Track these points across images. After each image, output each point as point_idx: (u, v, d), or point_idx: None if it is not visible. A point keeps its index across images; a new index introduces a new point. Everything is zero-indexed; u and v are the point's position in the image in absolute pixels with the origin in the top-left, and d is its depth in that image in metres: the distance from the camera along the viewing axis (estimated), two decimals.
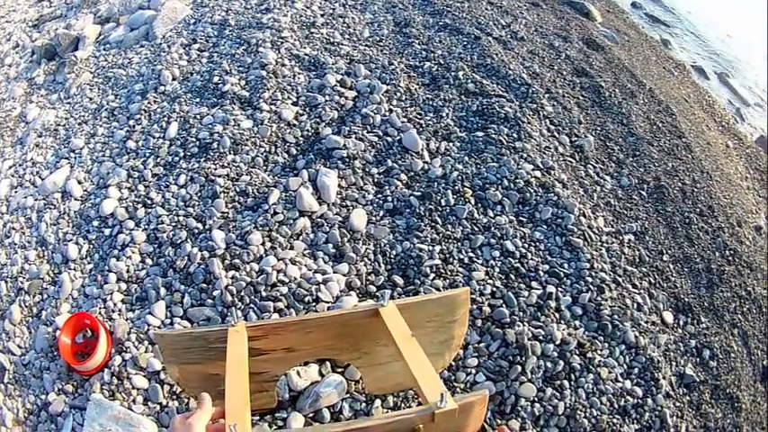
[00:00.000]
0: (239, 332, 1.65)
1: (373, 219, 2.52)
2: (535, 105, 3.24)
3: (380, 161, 2.70)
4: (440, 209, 2.59)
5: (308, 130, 2.76)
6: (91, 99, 3.35)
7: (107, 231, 2.60)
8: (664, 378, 2.29)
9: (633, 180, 3.28)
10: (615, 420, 2.12)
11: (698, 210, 3.28)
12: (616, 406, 2.15)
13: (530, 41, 3.80)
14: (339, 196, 2.55)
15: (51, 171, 3.03)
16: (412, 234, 2.48)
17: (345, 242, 2.41)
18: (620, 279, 2.57)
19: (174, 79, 3.18)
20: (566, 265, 2.52)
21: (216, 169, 2.62)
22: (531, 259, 2.50)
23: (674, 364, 2.41)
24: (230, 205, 2.52)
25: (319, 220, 2.47)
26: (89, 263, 2.55)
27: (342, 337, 1.77)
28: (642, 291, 2.60)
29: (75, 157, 3.04)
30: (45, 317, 2.44)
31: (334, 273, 2.31)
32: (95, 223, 2.66)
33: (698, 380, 2.40)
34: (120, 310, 2.34)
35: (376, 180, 2.64)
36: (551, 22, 4.20)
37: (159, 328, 2.22)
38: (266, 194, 2.51)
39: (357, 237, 2.44)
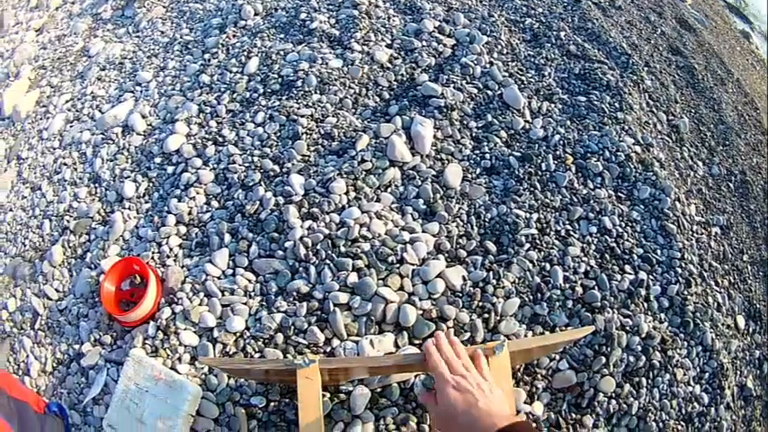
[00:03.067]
0: (312, 379, 1.36)
1: (469, 176, 2.11)
2: (635, 77, 2.80)
3: (479, 115, 2.28)
4: (540, 173, 2.18)
5: (402, 75, 2.33)
6: (163, 33, 2.97)
7: (170, 169, 2.24)
8: (728, 388, 1.98)
9: (722, 170, 2.87)
10: (680, 428, 1.83)
11: None
12: (683, 412, 1.86)
13: (627, 12, 3.33)
14: (434, 148, 2.13)
15: (113, 105, 2.67)
16: (509, 197, 2.07)
17: (438, 199, 2.00)
18: (705, 274, 2.19)
19: (256, 14, 2.76)
20: (658, 252, 2.12)
21: (299, 108, 2.21)
22: (627, 240, 2.10)
23: (738, 373, 2.08)
24: (312, 148, 2.12)
25: (411, 171, 2.06)
26: (146, 202, 2.20)
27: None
28: (723, 290, 2.23)
29: (141, 91, 2.67)
30: (90, 259, 2.10)
31: (423, 232, 1.91)
32: (158, 160, 2.29)
33: (755, 394, 2.09)
34: (176, 256, 1.98)
35: (474, 134, 2.22)
36: None
37: (219, 278, 1.85)
38: (354, 139, 2.10)
39: (451, 194, 2.03)
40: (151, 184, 2.24)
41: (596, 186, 2.22)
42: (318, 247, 1.82)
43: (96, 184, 2.37)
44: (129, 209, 2.21)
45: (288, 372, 1.39)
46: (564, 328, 1.81)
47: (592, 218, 2.12)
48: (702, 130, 3.02)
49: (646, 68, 2.94)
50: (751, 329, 2.28)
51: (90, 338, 1.91)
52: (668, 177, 2.39)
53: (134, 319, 1.82)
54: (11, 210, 2.56)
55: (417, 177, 2.04)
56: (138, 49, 2.94)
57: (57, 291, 2.12)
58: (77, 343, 1.92)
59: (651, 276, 2.03)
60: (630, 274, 2.00)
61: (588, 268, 1.97)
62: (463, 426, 1.17)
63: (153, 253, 2.00)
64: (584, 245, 2.03)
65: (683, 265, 2.11)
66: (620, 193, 2.26)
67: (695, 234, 2.33)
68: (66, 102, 2.89)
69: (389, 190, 2.02)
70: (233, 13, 2.82)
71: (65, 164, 2.54)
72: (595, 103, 2.50)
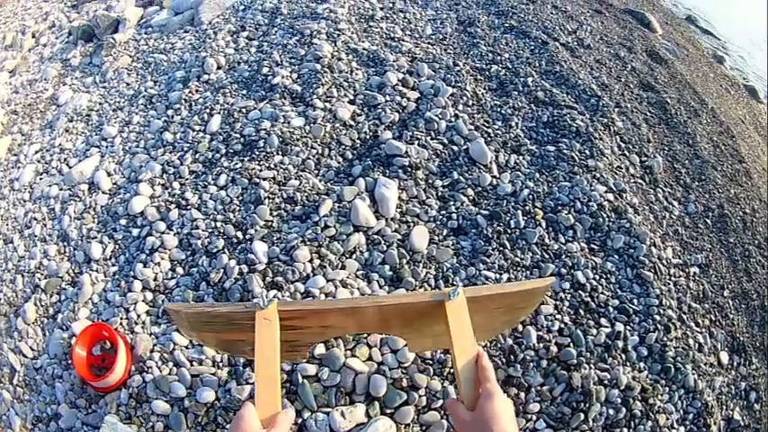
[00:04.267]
0: (270, 320, 1.34)
1: (436, 238, 2.06)
2: (606, 120, 2.77)
3: (445, 173, 2.23)
4: (509, 231, 2.13)
5: (365, 133, 2.29)
6: (128, 84, 2.92)
7: (135, 232, 2.20)
8: (714, 424, 1.95)
9: (699, 207, 2.82)
10: None
11: (756, 242, 2.84)
12: None
13: (596, 50, 3.31)
14: (399, 210, 2.09)
15: (80, 159, 2.64)
16: (478, 258, 2.03)
17: (404, 264, 1.96)
18: (684, 317, 2.15)
19: (218, 68, 2.72)
20: (635, 301, 2.08)
21: (261, 170, 2.16)
22: (602, 293, 2.06)
23: (724, 407, 2.05)
24: (275, 213, 2.07)
25: (376, 236, 2.01)
26: (113, 265, 2.15)
27: (395, 320, 1.51)
28: (704, 330, 2.19)
29: (106, 146, 2.63)
30: (61, 320, 2.06)
31: None
32: (123, 221, 2.25)
33: (743, 424, 2.04)
34: (143, 323, 1.94)
35: (440, 194, 2.18)
36: (615, 31, 3.69)
37: (187, 347, 1.81)
38: (317, 203, 2.05)
39: (417, 258, 1.98)
40: (117, 246, 2.20)
41: (568, 240, 2.17)
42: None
43: (65, 243, 2.32)
44: (96, 271, 2.16)
45: (245, 319, 1.38)
46: (540, 388, 1.77)
47: (564, 273, 2.07)
48: (677, 167, 2.98)
49: (617, 109, 2.91)
50: (735, 363, 2.24)
51: (66, 400, 1.86)
52: (643, 223, 2.36)
53: (106, 385, 1.79)
54: None
55: (382, 242, 1.99)
56: (104, 101, 2.89)
57: (31, 349, 2.08)
58: (54, 403, 1.88)
59: (628, 327, 1.99)
60: (607, 327, 1.97)
61: (562, 326, 1.93)
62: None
63: (121, 319, 1.95)
64: (558, 302, 1.99)
65: (662, 311, 2.08)
66: (592, 245, 2.22)
67: (673, 278, 2.29)
68: (36, 152, 2.85)
69: (354, 256, 1.97)
70: (196, 66, 2.78)
71: (35, 218, 2.49)
72: (565, 151, 2.47)
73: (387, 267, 1.94)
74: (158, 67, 2.94)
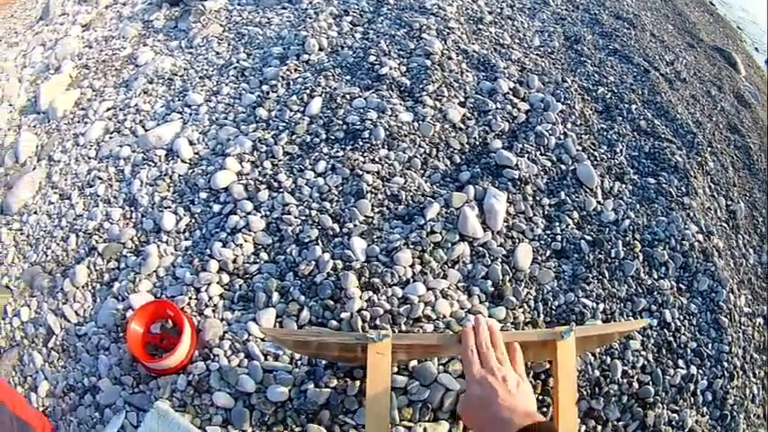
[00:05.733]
0: (384, 354, 1.36)
1: (539, 258, 1.97)
2: (700, 158, 2.70)
3: (552, 191, 2.15)
4: (609, 260, 2.05)
5: (475, 138, 2.20)
6: (218, 54, 2.81)
7: (216, 208, 2.08)
8: None
9: None
10: None
11: None
12: None
13: (691, 85, 3.23)
14: (506, 224, 2.00)
15: (158, 123, 2.51)
16: (578, 285, 1.95)
17: (507, 281, 1.86)
18: (746, 366, 2.10)
19: (320, 49, 2.62)
20: (710, 345, 2.02)
21: (365, 163, 2.06)
22: (684, 334, 1.99)
23: None
24: (377, 209, 1.97)
25: (481, 249, 1.91)
26: (186, 239, 2.03)
27: None
28: (758, 381, 2.13)
29: (190, 114, 2.51)
30: (117, 290, 1.94)
31: (490, 317, 1.77)
32: (203, 195, 2.13)
33: None
34: (215, 307, 1.82)
35: (546, 213, 2.09)
36: (706, 68, 3.61)
37: (263, 340, 1.71)
38: (422, 205, 1.96)
39: (520, 277, 1.89)
40: (193, 221, 2.09)
41: (660, 277, 2.10)
42: (378, 321, 1.68)
43: (132, 208, 2.21)
44: (166, 243, 2.04)
45: (354, 348, 1.41)
46: (616, 423, 1.72)
47: (654, 310, 2.00)
48: (755, 215, 2.92)
49: (709, 149, 2.84)
50: None
51: (109, 375, 1.75)
52: (725, 268, 2.28)
53: (162, 367, 1.67)
54: (35, 213, 2.41)
55: (487, 256, 1.90)
56: (189, 67, 2.79)
57: (77, 314, 1.96)
58: (94, 375, 1.77)
59: (700, 370, 1.94)
60: (683, 368, 1.91)
61: (646, 363, 1.86)
62: (481, 419, 1.20)
63: (190, 298, 1.84)
64: (644, 338, 1.92)
65: (730, 358, 2.03)
66: (681, 285, 2.15)
67: (743, 326, 2.23)
68: (108, 110, 2.74)
69: (457, 267, 1.87)
70: (295, 45, 2.68)
71: (99, 177, 2.38)
72: (664, 185, 2.39)
73: (489, 282, 1.85)
74: (252, 41, 2.84)
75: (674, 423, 1.76)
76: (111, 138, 2.54)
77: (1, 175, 2.77)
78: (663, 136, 2.60)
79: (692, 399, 1.86)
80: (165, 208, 2.13)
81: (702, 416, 1.85)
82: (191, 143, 2.35)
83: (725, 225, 2.63)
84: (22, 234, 2.37)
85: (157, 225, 2.08)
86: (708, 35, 4.43)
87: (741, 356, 2.08)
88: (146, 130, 2.49)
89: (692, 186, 2.48)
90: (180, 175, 2.24)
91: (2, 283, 2.25)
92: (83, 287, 2.02)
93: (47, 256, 2.18)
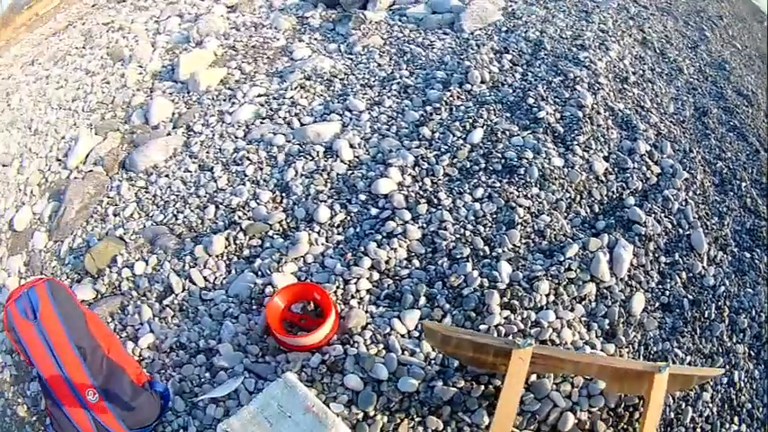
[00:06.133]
0: (524, 360, 1.55)
1: (649, 308, 2.30)
2: None
3: (668, 251, 2.46)
4: (702, 319, 2.37)
5: (613, 192, 2.52)
6: (380, 65, 3.08)
7: (374, 211, 2.34)
8: None
9: None
10: None
11: None
12: None
13: None
14: (628, 273, 2.32)
15: (316, 120, 2.73)
16: (675, 336, 2.27)
17: (620, 323, 2.20)
18: None
19: (482, 82, 2.91)
20: (761, 409, 2.27)
21: (518, 197, 2.39)
22: (744, 395, 2.27)
23: None
24: (524, 240, 2.30)
25: (605, 291, 2.25)
26: (339, 234, 2.29)
27: (610, 377, 1.84)
28: None
29: (350, 118, 2.76)
30: (259, 266, 2.16)
31: (601, 350, 2.10)
32: (362, 197, 2.39)
33: None
34: (361, 299, 2.07)
35: (661, 269, 2.41)
36: None
37: (403, 336, 1.97)
38: (563, 244, 2.29)
39: (631, 321, 2.23)
40: (349, 218, 2.35)
41: (738, 341, 2.40)
42: (511, 337, 1.98)
43: (284, 194, 2.43)
44: (318, 233, 2.29)
45: (489, 352, 1.64)
46: None
47: (727, 369, 2.28)
48: None
49: None
50: None
51: (233, 341, 1.97)
52: None
53: (299, 344, 1.91)
54: (167, 176, 2.60)
55: (609, 298, 2.23)
56: (350, 73, 3.05)
57: (205, 279, 2.18)
58: (213, 338, 1.98)
59: (749, 429, 2.19)
60: (736, 425, 2.17)
61: (710, 414, 2.15)
62: None
63: (337, 287, 2.10)
64: (714, 393, 2.21)
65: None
66: (752, 351, 2.44)
67: None
68: (260, 96, 2.95)
69: (583, 303, 2.20)
70: (458, 73, 2.96)
71: (248, 158, 2.58)
72: (756, 261, 2.68)
73: (606, 321, 2.18)
74: (415, 60, 3.11)
75: None
76: (262, 123, 2.75)
77: (126, 132, 3.00)
78: (763, 215, 2.89)
79: None
80: (321, 201, 2.37)
81: None
82: (351, 146, 2.59)
83: None
84: (147, 192, 2.55)
85: (310, 215, 2.33)
86: None
87: None
88: (302, 124, 2.70)
89: None
90: (338, 174, 2.50)
91: (116, 233, 2.46)
92: (217, 256, 2.24)
93: (176, 219, 2.39)
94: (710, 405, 2.17)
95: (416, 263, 2.20)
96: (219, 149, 2.67)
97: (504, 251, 2.23)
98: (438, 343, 1.85)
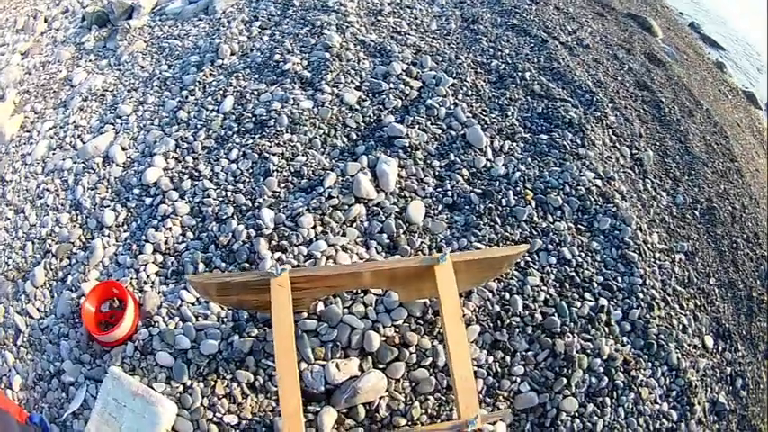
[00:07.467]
0: (284, 286, 1.55)
1: (431, 212, 2.25)
2: (599, 114, 2.96)
3: (443, 154, 2.43)
4: (500, 209, 2.32)
5: (369, 116, 2.50)
6: (143, 67, 3.14)
7: (148, 201, 2.39)
8: (699, 404, 2.11)
9: (687, 199, 2.99)
10: None
11: (745, 236, 3.02)
12: (651, 428, 1.98)
13: (594, 50, 3.50)
14: (398, 186, 2.29)
15: (94, 135, 2.82)
16: (470, 232, 2.23)
17: (401, 234, 2.15)
18: (669, 298, 2.34)
19: (232, 54, 2.95)
20: (619, 279, 2.27)
21: (270, 147, 2.37)
22: (587, 269, 2.25)
23: (708, 390, 2.21)
24: (283, 185, 2.27)
25: (375, 208, 2.21)
26: (125, 231, 2.34)
27: (389, 280, 1.76)
28: (688, 312, 2.37)
29: (120, 124, 2.83)
30: (71, 282, 2.24)
31: None
32: (136, 191, 2.45)
33: (728, 408, 2.20)
34: (152, 283, 2.13)
35: (437, 173, 2.37)
36: (615, 34, 3.89)
37: (193, 304, 2.00)
38: (322, 177, 2.26)
39: (413, 229, 2.18)
40: (130, 214, 2.38)
41: (556, 219, 2.36)
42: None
43: (77, 211, 2.49)
44: (108, 236, 2.33)
45: (262, 288, 1.59)
46: (525, 352, 1.95)
47: (551, 249, 2.26)
48: (667, 161, 3.14)
49: (610, 105, 3.09)
50: (720, 348, 2.39)
51: (71, 356, 2.01)
52: (629, 209, 2.54)
53: (113, 339, 1.94)
54: None
55: (381, 213, 2.19)
56: (118, 82, 3.09)
57: (38, 310, 2.22)
58: (58, 360, 2.02)
59: (612, 302, 2.17)
60: (590, 300, 2.15)
61: (548, 297, 2.11)
62: None
63: (131, 279, 2.13)
64: (544, 275, 2.18)
65: (645, 290, 2.26)
66: (579, 225, 2.40)
67: (658, 261, 2.46)
68: (50, 129, 3.02)
69: (355, 225, 2.16)
70: (210, 52, 2.99)
71: (47, 189, 2.65)
72: (557, 140, 2.65)
73: (384, 236, 2.13)
74: (173, 52, 3.16)
75: (588, 351, 1.98)
76: (54, 153, 2.82)
77: None
78: (558, 97, 2.87)
79: (606, 328, 2.09)
80: (105, 207, 2.42)
81: (622, 345, 2.07)
82: (123, 149, 2.65)
83: (630, 172, 2.87)
84: None
85: (100, 222, 2.38)
86: (621, 4, 4.69)
87: (660, 289, 2.32)
88: (83, 143, 2.78)
89: (589, 138, 2.74)
90: (116, 177, 2.54)
91: None
92: (42, 286, 2.29)
93: (8, 265, 2.43)
94: (544, 288, 2.13)
95: (190, 234, 2.23)
96: (26, 189, 2.73)
97: (264, 200, 2.21)
98: (208, 294, 1.84)
